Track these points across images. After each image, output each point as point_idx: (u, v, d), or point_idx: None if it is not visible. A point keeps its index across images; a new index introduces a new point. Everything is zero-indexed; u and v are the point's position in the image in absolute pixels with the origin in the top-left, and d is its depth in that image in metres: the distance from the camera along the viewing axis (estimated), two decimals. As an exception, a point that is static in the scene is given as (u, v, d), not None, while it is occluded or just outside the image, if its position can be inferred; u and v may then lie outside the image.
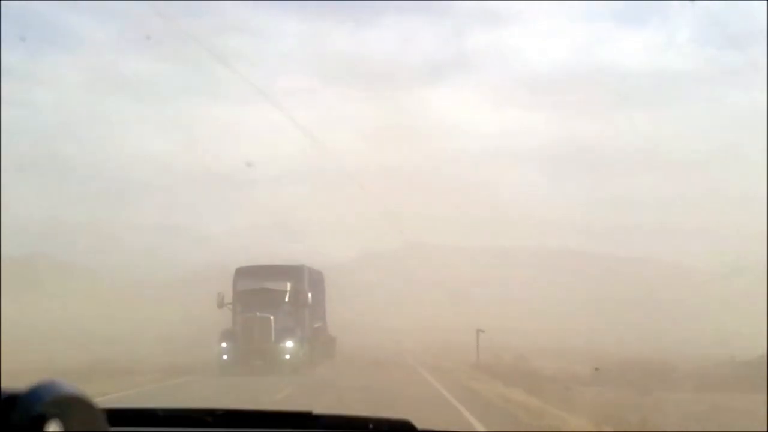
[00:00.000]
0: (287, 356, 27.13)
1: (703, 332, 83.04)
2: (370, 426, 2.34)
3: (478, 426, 14.59)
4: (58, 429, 1.18)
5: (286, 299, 28.58)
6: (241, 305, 28.27)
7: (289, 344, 27.39)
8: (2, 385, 1.24)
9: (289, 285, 28.87)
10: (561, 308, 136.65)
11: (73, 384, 1.28)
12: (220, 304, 28.77)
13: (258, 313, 27.56)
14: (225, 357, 27.04)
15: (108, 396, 16.85)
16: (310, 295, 29.08)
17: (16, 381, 1.56)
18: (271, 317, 27.52)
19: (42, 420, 1.17)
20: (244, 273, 29.61)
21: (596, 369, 29.25)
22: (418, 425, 2.42)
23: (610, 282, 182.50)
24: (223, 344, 27.35)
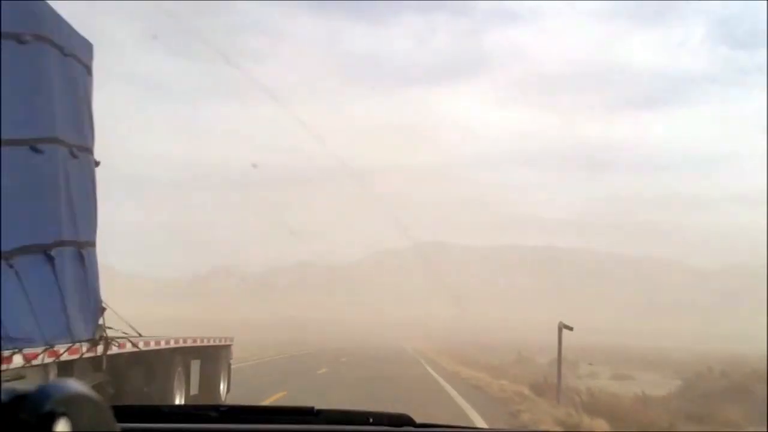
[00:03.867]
0: None
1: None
2: (370, 420, 2.40)
3: None
4: (66, 427, 1.17)
5: None
6: None
7: None
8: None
9: None
10: (572, 305, 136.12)
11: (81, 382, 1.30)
12: None
13: None
14: None
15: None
16: None
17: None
18: None
19: (51, 418, 1.16)
20: None
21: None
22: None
23: (622, 280, 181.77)
24: None
